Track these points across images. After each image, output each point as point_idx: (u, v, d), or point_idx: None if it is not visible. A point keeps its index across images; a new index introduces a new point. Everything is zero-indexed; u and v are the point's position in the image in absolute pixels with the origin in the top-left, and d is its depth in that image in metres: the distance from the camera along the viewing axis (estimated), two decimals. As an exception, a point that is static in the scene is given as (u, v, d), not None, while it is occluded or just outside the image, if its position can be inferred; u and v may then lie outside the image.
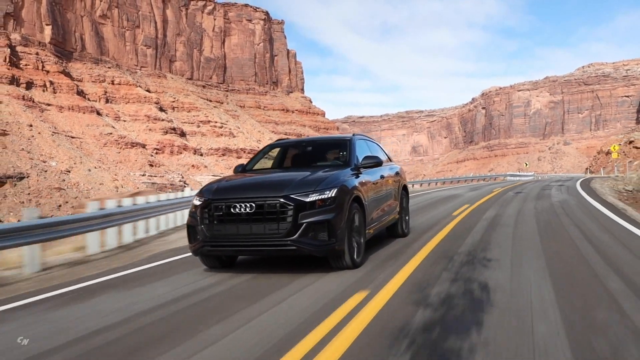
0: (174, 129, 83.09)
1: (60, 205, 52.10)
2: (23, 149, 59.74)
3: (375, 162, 7.30)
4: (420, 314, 4.14)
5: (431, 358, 3.24)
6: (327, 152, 7.99)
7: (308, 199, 5.79)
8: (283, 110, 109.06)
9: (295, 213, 5.73)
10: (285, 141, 8.75)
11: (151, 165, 71.69)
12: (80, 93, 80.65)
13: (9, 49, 76.56)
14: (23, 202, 50.96)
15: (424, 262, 6.48)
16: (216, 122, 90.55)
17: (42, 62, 79.96)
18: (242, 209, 5.82)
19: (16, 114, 66.57)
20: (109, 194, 59.55)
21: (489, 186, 32.97)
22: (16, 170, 54.48)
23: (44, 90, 76.75)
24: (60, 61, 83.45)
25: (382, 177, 7.95)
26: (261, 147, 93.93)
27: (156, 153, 76.63)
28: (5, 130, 61.10)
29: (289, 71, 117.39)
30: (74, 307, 5.13)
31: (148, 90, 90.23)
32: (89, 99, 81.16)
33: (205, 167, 79.42)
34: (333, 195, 5.91)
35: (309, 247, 5.76)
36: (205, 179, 77.46)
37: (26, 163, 57.25)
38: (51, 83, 78.17)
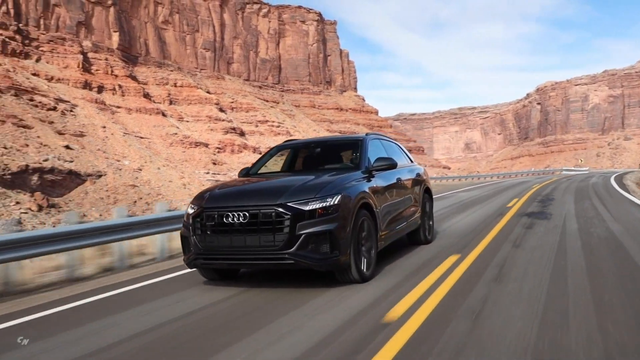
0: (233, 128, 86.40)
1: (135, 201, 55.73)
2: (99, 149, 63.94)
3: (388, 164, 6.83)
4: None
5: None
6: (338, 154, 7.63)
7: (307, 208, 5.37)
8: (337, 109, 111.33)
9: (292, 223, 5.31)
10: (294, 142, 8.40)
11: (214, 164, 75.08)
12: (146, 95, 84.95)
13: (81, 55, 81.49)
14: (102, 198, 54.83)
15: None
16: (273, 121, 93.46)
17: (111, 67, 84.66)
18: (235, 219, 5.45)
19: (90, 116, 71.07)
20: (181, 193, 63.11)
21: (542, 177, 49.50)
22: (95, 169, 58.51)
23: (113, 94, 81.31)
24: (127, 66, 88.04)
25: (398, 180, 7.50)
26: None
27: (218, 152, 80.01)
28: (82, 132, 65.49)
29: (342, 70, 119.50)
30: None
31: (208, 92, 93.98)
32: (154, 101, 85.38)
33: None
34: (336, 202, 5.47)
35: (308, 261, 5.32)
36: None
37: (102, 162, 61.32)
38: (120, 87, 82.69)
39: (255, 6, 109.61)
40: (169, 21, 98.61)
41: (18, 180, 49.50)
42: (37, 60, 77.65)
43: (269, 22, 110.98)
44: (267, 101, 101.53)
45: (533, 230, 9.67)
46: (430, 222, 8.95)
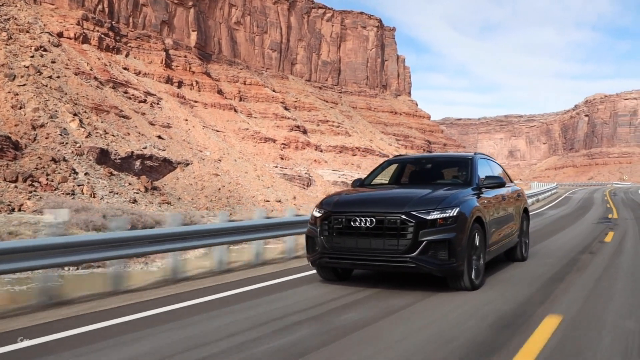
0: (297, 126, 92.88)
1: (219, 189, 62.70)
2: (184, 140, 71.22)
3: (498, 183, 7.27)
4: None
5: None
6: (446, 170, 8.18)
7: (429, 217, 5.82)
8: (391, 112, 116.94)
9: (415, 230, 5.76)
10: (404, 157, 8.99)
11: (282, 159, 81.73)
12: (219, 92, 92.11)
13: (164, 52, 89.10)
14: (191, 184, 61.97)
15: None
16: (333, 121, 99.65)
17: (189, 63, 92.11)
18: (362, 223, 5.92)
19: (174, 109, 78.51)
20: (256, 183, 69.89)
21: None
22: (183, 158, 65.73)
23: (191, 89, 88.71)
24: (203, 63, 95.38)
25: (503, 198, 7.91)
26: (373, 146, 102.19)
27: (284, 148, 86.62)
28: (169, 124, 72.91)
29: (398, 75, 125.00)
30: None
31: (274, 90, 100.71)
32: (226, 97, 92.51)
33: (326, 162, 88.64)
34: (455, 214, 5.91)
35: (428, 266, 5.79)
36: (325, 172, 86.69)
37: (188, 152, 68.56)
38: (197, 82, 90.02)
39: (320, 11, 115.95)
40: (241, 22, 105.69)
41: (125, 164, 56.88)
42: (127, 56, 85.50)
43: (332, 26, 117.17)
44: (327, 102, 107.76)
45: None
46: (527, 241, 9.40)
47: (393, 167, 8.44)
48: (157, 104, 77.21)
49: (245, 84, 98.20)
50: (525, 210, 9.41)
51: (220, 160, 70.82)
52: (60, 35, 74.24)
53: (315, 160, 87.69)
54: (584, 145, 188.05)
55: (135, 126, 66.06)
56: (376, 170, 8.25)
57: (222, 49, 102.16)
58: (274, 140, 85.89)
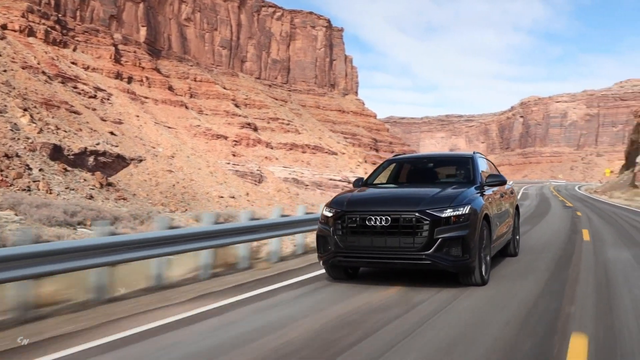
0: (248, 124, 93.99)
1: (174, 185, 63.29)
2: (136, 136, 71.20)
3: (500, 181, 7.42)
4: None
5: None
6: (447, 169, 8.27)
7: (443, 215, 5.93)
8: (339, 111, 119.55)
9: (431, 228, 5.88)
10: (404, 157, 9.04)
11: (233, 155, 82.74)
12: (170, 88, 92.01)
13: (113, 47, 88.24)
14: (145, 181, 62.28)
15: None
16: (283, 119, 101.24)
17: (139, 59, 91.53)
18: (377, 222, 5.99)
19: (125, 105, 78.14)
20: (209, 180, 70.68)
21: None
22: (136, 154, 65.83)
23: (141, 85, 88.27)
24: (153, 59, 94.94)
25: (501, 195, 8.12)
26: (322, 144, 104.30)
27: (235, 145, 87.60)
28: (120, 120, 72.67)
29: (345, 75, 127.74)
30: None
31: (224, 88, 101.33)
32: (177, 94, 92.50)
33: (276, 159, 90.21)
34: (467, 212, 6.03)
35: (443, 263, 5.91)
36: (276, 169, 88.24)
37: (141, 148, 68.66)
38: (147, 78, 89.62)
39: (270, 9, 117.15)
40: (191, 19, 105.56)
41: (79, 160, 56.65)
42: (74, 50, 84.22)
43: (282, 25, 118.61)
44: (276, 100, 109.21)
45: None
46: (517, 237, 9.58)
47: (392, 166, 8.42)
48: (108, 99, 76.64)
49: (195, 80, 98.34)
50: (517, 207, 9.74)
51: (173, 157, 71.23)
52: (4, 27, 72.68)
53: (266, 157, 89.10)
54: (519, 145, 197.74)
55: (87, 122, 65.63)
56: (377, 170, 8.26)
57: (172, 45, 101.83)
58: (226, 137, 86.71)
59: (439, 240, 5.86)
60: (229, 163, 79.59)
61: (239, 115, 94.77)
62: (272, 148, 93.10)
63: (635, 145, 64.55)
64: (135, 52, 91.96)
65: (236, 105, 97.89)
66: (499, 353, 4.24)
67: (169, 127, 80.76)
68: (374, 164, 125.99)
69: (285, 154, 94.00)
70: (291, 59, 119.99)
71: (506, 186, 8.76)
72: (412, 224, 5.93)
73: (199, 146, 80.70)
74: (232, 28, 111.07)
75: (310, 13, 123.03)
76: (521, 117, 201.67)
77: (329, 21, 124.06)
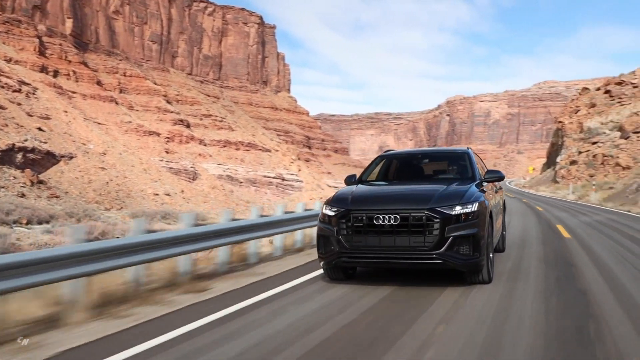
0: (181, 120, 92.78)
1: (107, 182, 61.85)
2: (65, 132, 68.94)
3: (498, 177, 7.17)
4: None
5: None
6: (443, 165, 8.10)
7: (454, 212, 5.72)
8: (272, 108, 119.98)
9: (442, 226, 5.65)
10: (397, 152, 8.72)
11: (167, 152, 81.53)
12: (99, 83, 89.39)
13: (37, 39, 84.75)
14: (77, 178, 60.50)
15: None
16: (216, 116, 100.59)
17: (65, 52, 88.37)
18: (385, 221, 5.74)
19: (52, 100, 75.36)
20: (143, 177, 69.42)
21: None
22: (66, 151, 63.80)
23: (68, 79, 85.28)
24: (80, 52, 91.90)
25: (495, 191, 7.99)
26: (256, 141, 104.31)
27: (168, 141, 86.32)
28: (48, 115, 70.09)
29: (278, 72, 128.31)
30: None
31: (155, 83, 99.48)
32: (106, 89, 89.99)
33: (210, 156, 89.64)
34: (475, 209, 5.84)
35: (454, 261, 5.70)
36: (210, 166, 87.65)
37: (71, 145, 66.58)
38: (74, 72, 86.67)
39: (202, 4, 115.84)
40: (120, 11, 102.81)
41: (6, 157, 54.35)
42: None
43: (214, 20, 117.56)
44: (209, 96, 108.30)
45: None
46: (504, 232, 9.41)
47: (385, 162, 8.12)
48: (33, 93, 73.62)
49: (125, 75, 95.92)
50: (504, 202, 9.60)
51: (105, 154, 69.45)
52: None
53: (199, 154, 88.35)
54: (445, 142, 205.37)
55: (13, 117, 62.92)
56: (371, 167, 7.93)
57: (100, 39, 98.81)
58: (158, 134, 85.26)
59: (450, 238, 5.63)
60: (162, 160, 78.43)
61: (171, 112, 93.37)
62: (205, 145, 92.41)
63: (555, 147, 69.39)
64: (61, 44, 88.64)
65: (168, 102, 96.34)
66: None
67: (99, 123, 78.55)
68: (307, 161, 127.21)
69: (219, 151, 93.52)
70: (223, 55, 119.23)
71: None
72: (423, 223, 5.67)
73: (131, 143, 79.00)
74: (162, 22, 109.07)
75: (243, 9, 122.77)
76: (447, 115, 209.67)
77: (261, 18, 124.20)
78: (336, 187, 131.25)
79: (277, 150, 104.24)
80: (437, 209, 5.69)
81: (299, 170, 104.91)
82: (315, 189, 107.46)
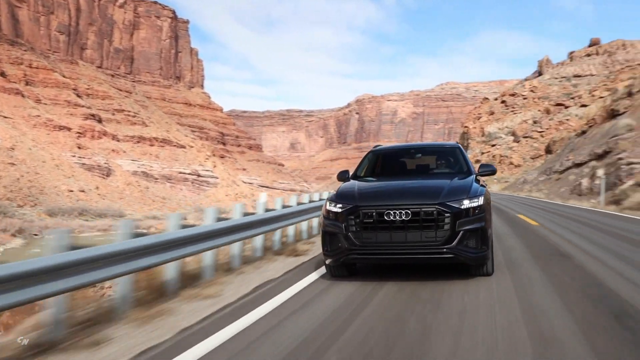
0: (92, 115, 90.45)
1: (18, 178, 59.88)
2: (-31, 126, 65.79)
3: (491, 171, 7.23)
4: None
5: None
6: (436, 160, 8.13)
7: (463, 207, 5.78)
8: (186, 104, 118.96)
9: (452, 220, 5.70)
10: (389, 147, 8.70)
11: (79, 148, 79.49)
12: (2, 74, 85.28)
13: None
14: (-15, 174, 58.19)
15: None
16: (129, 111, 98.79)
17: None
18: (396, 216, 5.72)
19: (-48, 91, 71.43)
20: (55, 173, 67.55)
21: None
22: (-29, 146, 61.07)
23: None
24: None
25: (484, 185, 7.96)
26: (170, 137, 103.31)
27: (79, 137, 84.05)
28: (-51, 108, 66.50)
29: (191, 67, 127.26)
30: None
31: (64, 76, 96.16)
32: (10, 81, 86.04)
33: (124, 152, 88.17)
34: (481, 203, 5.92)
35: (465, 255, 5.74)
36: (125, 162, 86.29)
37: (-24, 139, 63.71)
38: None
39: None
40: (24, 0, 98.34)
41: None
42: None
43: (125, 13, 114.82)
44: (120, 90, 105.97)
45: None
46: None
47: (377, 157, 8.02)
48: None
49: (31, 67, 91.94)
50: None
51: (13, 149, 66.86)
52: None
53: (113, 150, 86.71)
54: (355, 140, 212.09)
55: None
56: (364, 162, 7.81)
57: (3, 27, 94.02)
58: (69, 129, 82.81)
59: (461, 232, 5.68)
60: (74, 156, 76.47)
61: (82, 106, 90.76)
62: (119, 141, 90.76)
63: (462, 148, 77.11)
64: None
65: (78, 95, 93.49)
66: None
67: (5, 117, 75.22)
68: (222, 157, 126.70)
69: (132, 146, 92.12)
70: (135, 48, 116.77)
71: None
72: (434, 217, 5.69)
73: (41, 138, 76.35)
74: (70, 13, 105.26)
75: (155, 2, 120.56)
76: (357, 113, 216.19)
77: (174, 12, 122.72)
78: (251, 184, 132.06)
79: (192, 147, 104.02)
80: (448, 203, 5.72)
81: (214, 166, 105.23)
82: (231, 185, 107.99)
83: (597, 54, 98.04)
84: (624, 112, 35.78)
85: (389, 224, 5.67)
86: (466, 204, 5.70)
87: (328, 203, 6.20)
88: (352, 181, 6.91)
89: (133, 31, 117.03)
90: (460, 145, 8.01)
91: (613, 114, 38.14)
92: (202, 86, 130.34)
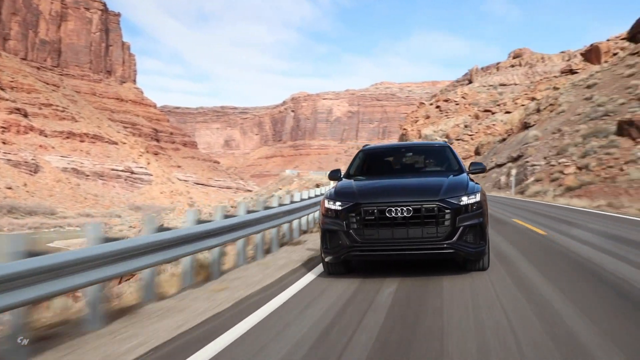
0: (17, 109, 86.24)
1: (-62, 176, 56.27)
2: None
3: (481, 168, 7.38)
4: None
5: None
6: (427, 158, 8.20)
7: (462, 203, 5.90)
8: (117, 99, 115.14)
9: (453, 217, 5.81)
10: (380, 146, 8.82)
11: (4, 143, 75.60)
12: None
13: None
14: None
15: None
16: (57, 105, 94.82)
17: None
18: (398, 213, 5.79)
19: None
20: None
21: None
22: None
23: None
24: None
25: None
26: (102, 133, 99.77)
27: (4, 132, 79.95)
28: None
29: (123, 62, 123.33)
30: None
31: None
32: None
33: (53, 147, 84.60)
34: (479, 199, 6.06)
35: (465, 250, 5.87)
36: (54, 159, 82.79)
37: None
38: None
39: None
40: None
41: None
42: None
43: (52, 3, 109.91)
44: (47, 84, 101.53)
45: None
46: None
47: (368, 156, 8.06)
48: None
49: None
50: None
51: None
52: None
53: (40, 146, 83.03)
54: (290, 138, 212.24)
55: None
56: (355, 161, 7.88)
57: None
58: (-8, 123, 78.66)
59: (461, 228, 5.82)
60: (-2, 151, 72.75)
61: (6, 100, 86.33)
62: (46, 136, 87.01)
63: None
64: None
65: (1, 88, 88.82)
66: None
67: None
68: (156, 154, 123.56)
69: (62, 142, 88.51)
70: (63, 41, 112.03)
71: None
72: (435, 214, 5.81)
73: (-40, 132, 72.10)
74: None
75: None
76: (292, 111, 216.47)
77: (104, 5, 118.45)
78: (186, 181, 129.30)
79: (124, 143, 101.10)
80: (448, 199, 5.85)
81: (148, 163, 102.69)
82: (166, 182, 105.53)
83: (520, 65, 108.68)
84: (533, 125, 43.62)
85: (391, 220, 5.80)
86: (465, 200, 5.91)
87: (327, 201, 6.29)
88: (347, 180, 7.03)
89: (60, 22, 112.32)
90: (449, 144, 8.19)
91: (525, 126, 46.17)
92: (134, 81, 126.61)
